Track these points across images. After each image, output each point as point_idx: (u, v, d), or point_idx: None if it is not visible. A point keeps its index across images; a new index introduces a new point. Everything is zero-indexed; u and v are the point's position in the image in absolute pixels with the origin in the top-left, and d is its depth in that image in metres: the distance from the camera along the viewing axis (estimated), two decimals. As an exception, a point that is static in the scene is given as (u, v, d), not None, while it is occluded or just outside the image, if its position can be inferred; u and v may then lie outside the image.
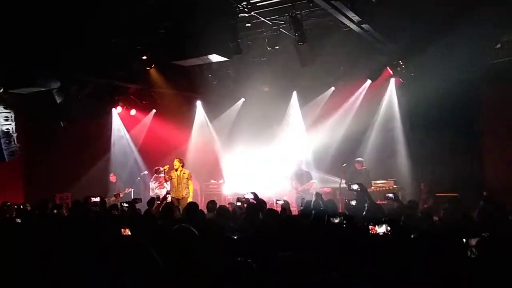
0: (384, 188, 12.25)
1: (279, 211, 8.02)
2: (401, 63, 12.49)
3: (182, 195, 12.20)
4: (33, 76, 10.59)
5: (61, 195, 14.43)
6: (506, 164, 12.13)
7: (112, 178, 14.62)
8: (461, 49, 10.86)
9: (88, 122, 14.89)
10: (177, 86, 14.30)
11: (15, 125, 11.85)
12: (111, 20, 9.53)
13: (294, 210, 11.42)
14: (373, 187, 12.36)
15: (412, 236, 4.84)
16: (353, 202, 8.51)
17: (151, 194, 13.36)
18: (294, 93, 15.27)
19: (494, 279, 3.60)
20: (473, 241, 4.20)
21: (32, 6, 8.52)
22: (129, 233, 5.75)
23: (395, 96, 13.93)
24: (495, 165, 12.47)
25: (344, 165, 12.88)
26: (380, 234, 4.91)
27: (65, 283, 4.09)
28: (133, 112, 15.49)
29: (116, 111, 15.53)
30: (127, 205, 9.37)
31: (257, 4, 9.62)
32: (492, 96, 12.54)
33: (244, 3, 9.43)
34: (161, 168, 13.38)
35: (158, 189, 13.57)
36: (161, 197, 10.81)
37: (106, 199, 11.58)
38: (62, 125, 13.83)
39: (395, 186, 12.48)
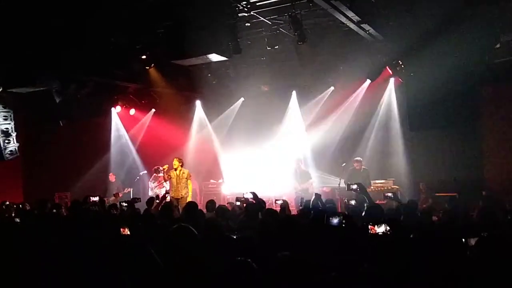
0: (383, 188, 12.25)
1: (278, 211, 8.02)
2: (401, 63, 12.50)
3: (181, 194, 12.19)
4: (32, 76, 10.59)
5: (60, 195, 14.41)
6: (506, 164, 12.14)
7: (112, 177, 14.62)
8: (461, 48, 10.86)
9: (87, 122, 14.90)
10: (177, 86, 14.30)
11: (15, 124, 11.86)
12: (110, 19, 9.53)
13: (293, 209, 11.42)
14: (372, 187, 12.35)
15: (411, 236, 4.83)
16: (353, 202, 8.50)
17: (150, 193, 13.36)
18: (294, 93, 15.26)
19: (493, 279, 3.60)
20: (473, 241, 4.20)
21: (32, 6, 8.51)
22: (129, 232, 5.75)
23: (394, 96, 13.94)
24: (495, 165, 12.48)
25: (344, 164, 12.90)
26: (380, 234, 4.90)
27: (65, 283, 4.09)
28: (132, 111, 15.50)
29: (116, 111, 15.54)
30: (126, 204, 9.37)
31: (257, 4, 9.61)
32: (492, 96, 12.55)
33: (244, 2, 9.42)
34: (161, 168, 13.37)
35: (157, 189, 13.58)
36: (160, 196, 10.81)
37: (105, 199, 11.57)
38: (62, 124, 13.84)
39: (394, 186, 12.48)
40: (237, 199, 9.34)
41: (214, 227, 5.61)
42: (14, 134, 11.68)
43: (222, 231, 5.60)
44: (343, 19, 9.58)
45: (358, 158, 12.74)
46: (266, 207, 8.40)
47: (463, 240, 4.40)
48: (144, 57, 11.63)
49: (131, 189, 14.45)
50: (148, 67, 12.08)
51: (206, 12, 9.01)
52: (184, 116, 16.04)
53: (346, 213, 7.95)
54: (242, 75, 14.31)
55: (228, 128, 16.03)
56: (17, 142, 11.80)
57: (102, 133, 15.76)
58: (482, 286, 3.63)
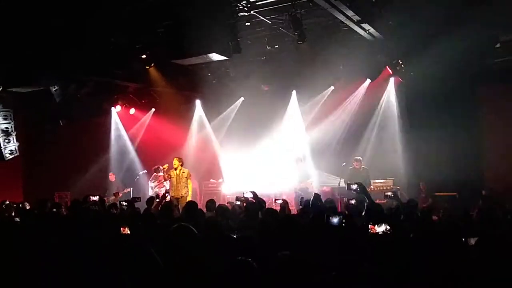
0: (383, 188, 12.25)
1: (278, 210, 8.02)
2: (401, 62, 12.50)
3: (181, 194, 12.19)
4: (32, 75, 10.58)
5: (60, 194, 14.42)
6: (506, 164, 12.13)
7: (111, 177, 14.62)
8: (461, 48, 10.86)
9: (87, 121, 14.90)
10: (177, 85, 14.30)
11: (14, 124, 11.85)
12: (110, 19, 9.53)
13: (293, 209, 11.42)
14: (372, 186, 12.37)
15: (411, 236, 4.84)
16: (353, 201, 8.50)
17: (150, 193, 13.36)
18: (294, 92, 15.25)
19: (493, 279, 3.60)
20: (473, 241, 4.20)
21: (32, 6, 8.51)
22: (129, 232, 5.75)
23: (394, 95, 13.93)
24: (495, 165, 12.48)
25: (343, 164, 12.92)
26: (380, 233, 4.91)
27: (65, 283, 4.09)
28: (132, 111, 15.50)
29: (115, 110, 15.53)
30: (126, 204, 9.37)
31: (257, 3, 9.61)
32: (492, 96, 12.55)
33: (244, 2, 9.42)
34: (161, 167, 13.37)
35: (157, 188, 13.57)
36: (160, 195, 10.81)
37: (105, 198, 11.57)
38: (61, 124, 13.85)
39: (394, 186, 12.48)
40: (237, 199, 9.34)
41: (214, 227, 5.61)
42: (14, 134, 11.67)
43: (222, 230, 5.60)
44: (343, 19, 9.59)
45: (358, 158, 12.76)
46: (266, 206, 8.41)
47: (463, 240, 4.41)
48: (144, 56, 11.63)
49: (131, 188, 14.44)
50: (148, 67, 12.08)
51: (206, 11, 9.01)
52: (184, 115, 16.03)
53: (346, 212, 7.96)
54: (242, 74, 14.30)
55: (228, 127, 16.02)
56: (17, 141, 11.79)
57: (102, 132, 15.76)
58: (482, 286, 3.64)
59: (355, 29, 10.17)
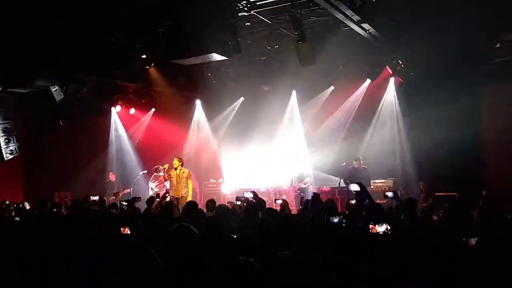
0: (383, 188, 12.26)
1: (278, 210, 8.03)
2: (401, 62, 12.50)
3: (182, 194, 12.20)
4: (32, 75, 10.58)
5: (60, 194, 14.43)
6: (506, 163, 12.13)
7: (112, 177, 14.62)
8: (461, 48, 10.86)
9: (87, 121, 14.90)
10: (177, 85, 14.29)
11: (14, 124, 11.85)
12: (110, 19, 9.52)
13: (293, 209, 11.43)
14: (372, 186, 12.38)
15: (411, 236, 4.84)
16: (353, 202, 8.51)
17: (150, 193, 13.37)
18: (294, 92, 15.25)
19: (493, 279, 3.60)
20: (473, 241, 4.20)
21: (32, 6, 8.50)
22: (129, 232, 5.75)
23: (394, 95, 13.94)
24: (495, 164, 12.47)
25: (344, 164, 12.93)
26: (380, 233, 4.91)
27: (65, 283, 4.09)
28: (132, 111, 15.49)
29: (115, 110, 15.53)
30: (126, 204, 9.38)
31: (257, 3, 9.60)
32: (492, 96, 12.54)
33: (244, 2, 9.41)
34: (161, 167, 13.38)
35: (158, 188, 13.58)
36: (160, 195, 10.82)
37: (105, 198, 11.58)
38: (61, 124, 13.84)
39: (394, 186, 12.49)
40: (237, 199, 9.36)
41: (215, 227, 5.61)
42: (14, 134, 11.66)
43: (223, 230, 5.61)
44: (343, 19, 9.57)
45: (358, 157, 12.79)
46: (266, 206, 8.41)
47: (464, 240, 4.40)
48: (144, 56, 11.62)
49: (131, 188, 14.45)
50: (148, 67, 12.07)
51: (206, 11, 8.99)
52: (184, 115, 16.03)
53: (346, 212, 7.97)
54: (242, 74, 14.31)
55: (228, 127, 16.03)
56: (17, 141, 11.78)
57: (102, 132, 15.76)
58: (482, 286, 3.64)
59: (355, 29, 10.15)
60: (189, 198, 11.99)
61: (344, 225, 5.72)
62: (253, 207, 7.78)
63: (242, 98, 15.79)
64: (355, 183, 8.88)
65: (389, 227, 4.89)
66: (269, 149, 14.92)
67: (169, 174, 12.49)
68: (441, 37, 10.62)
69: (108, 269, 3.83)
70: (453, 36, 10.45)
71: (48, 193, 12.97)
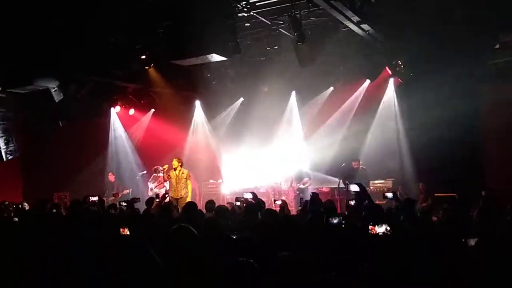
0: (383, 188, 12.26)
1: (278, 211, 8.03)
2: (400, 63, 12.50)
3: (181, 194, 12.19)
4: (31, 75, 10.57)
5: (59, 195, 14.41)
6: (506, 164, 12.13)
7: (111, 177, 14.61)
8: (461, 49, 10.87)
9: (86, 122, 14.90)
10: (176, 86, 14.28)
11: (14, 124, 11.85)
12: (110, 19, 9.52)
13: (292, 210, 11.43)
14: (371, 187, 12.39)
15: (411, 236, 4.84)
16: (352, 202, 8.51)
17: (150, 193, 13.36)
18: (293, 93, 15.26)
19: (493, 279, 3.60)
20: (473, 241, 4.20)
21: (32, 6, 8.50)
22: (128, 232, 5.75)
23: (394, 96, 13.94)
24: (495, 165, 12.47)
25: (343, 165, 12.93)
26: (380, 234, 4.91)
27: (65, 283, 4.08)
28: (131, 111, 15.48)
29: (115, 111, 15.53)
30: (125, 204, 9.37)
31: (257, 4, 9.61)
32: (492, 96, 12.54)
33: (244, 2, 9.42)
34: (160, 168, 13.38)
35: (157, 189, 13.57)
36: (160, 195, 10.82)
37: (104, 199, 11.57)
38: (61, 124, 13.85)
39: (393, 186, 12.48)
40: (237, 199, 9.36)
41: (214, 227, 5.61)
42: (13, 134, 11.67)
43: (222, 231, 5.60)
44: (343, 19, 9.57)
45: (357, 158, 12.80)
46: (266, 207, 8.41)
47: (463, 240, 4.40)
48: (143, 57, 11.62)
49: (130, 189, 14.44)
50: (147, 67, 12.06)
51: (206, 12, 8.99)
52: (183, 116, 16.02)
53: (346, 213, 7.97)
54: (242, 75, 14.30)
55: (228, 128, 16.03)
56: (16, 142, 11.78)
57: (102, 133, 15.76)
58: (482, 286, 3.63)
59: (354, 29, 10.16)
60: (189, 199, 11.98)
61: (343, 225, 5.72)
62: (253, 208, 7.78)
63: (241, 99, 15.79)
64: (354, 183, 8.89)
65: (388, 228, 4.89)
66: (268, 149, 14.91)
67: (169, 175, 12.49)
68: (441, 37, 10.62)
69: (108, 269, 3.83)
70: (452, 37, 10.45)
71: (47, 194, 12.96)
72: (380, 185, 12.80)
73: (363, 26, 9.97)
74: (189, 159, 14.49)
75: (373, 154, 13.56)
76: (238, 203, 9.11)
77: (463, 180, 11.68)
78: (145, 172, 15.16)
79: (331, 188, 13.47)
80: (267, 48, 11.60)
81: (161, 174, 13.36)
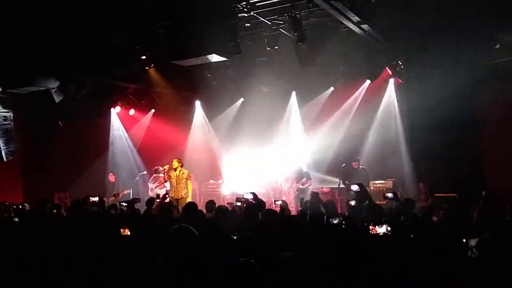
0: (383, 188, 12.26)
1: (278, 211, 8.02)
2: (400, 63, 12.50)
3: (181, 195, 12.19)
4: (32, 76, 10.57)
5: (59, 195, 14.40)
6: (506, 164, 12.12)
7: (111, 177, 14.60)
8: (461, 49, 10.86)
9: (86, 122, 14.89)
10: (176, 86, 14.29)
11: (14, 124, 11.84)
12: (110, 19, 9.52)
13: (293, 210, 11.43)
14: (372, 187, 12.38)
15: (411, 236, 4.84)
16: (353, 202, 8.51)
17: (150, 194, 13.35)
18: (293, 93, 15.26)
19: (494, 280, 3.60)
20: (473, 242, 4.20)
21: (32, 6, 8.50)
22: (129, 233, 5.74)
23: (394, 96, 13.93)
24: (495, 165, 12.47)
25: (343, 165, 12.94)
26: (380, 234, 4.91)
27: (64, 283, 4.08)
28: (131, 112, 15.48)
29: (115, 111, 15.52)
30: (126, 204, 9.37)
31: (257, 4, 9.62)
32: (492, 96, 12.53)
33: (244, 3, 9.42)
34: (161, 168, 13.38)
35: (158, 189, 13.56)
36: (161, 196, 10.82)
37: (105, 199, 11.56)
38: (61, 124, 13.85)
39: (394, 186, 12.48)
40: (237, 200, 9.36)
41: (214, 227, 5.61)
42: (14, 135, 11.66)
43: (222, 231, 5.60)
44: (343, 20, 9.57)
45: (357, 158, 12.82)
46: (266, 207, 8.41)
47: (464, 240, 4.40)
48: (143, 57, 11.62)
49: (131, 190, 14.43)
50: (147, 67, 12.07)
51: (206, 12, 9.00)
52: (183, 116, 16.02)
53: (346, 213, 7.97)
54: (242, 75, 14.30)
55: (228, 128, 16.03)
56: (16, 142, 11.78)
57: (102, 133, 15.75)
58: (483, 287, 3.63)
59: (354, 30, 10.16)
60: (189, 199, 11.99)
61: (343, 226, 5.72)
62: (253, 208, 7.78)
63: (242, 99, 15.78)
64: (355, 183, 8.89)
65: (389, 228, 4.88)
66: (268, 150, 14.91)
67: (169, 175, 12.49)
68: (441, 37, 10.61)
69: (108, 270, 3.83)
70: (452, 37, 10.45)
71: (47, 194, 12.93)
72: (380, 185, 12.80)
73: (363, 26, 9.97)
74: (189, 160, 14.48)
75: (373, 154, 13.56)
76: (239, 204, 9.11)
77: (463, 180, 11.67)
78: (145, 172, 15.16)
79: (331, 188, 13.46)
80: (267, 48, 11.58)
81: (161, 175, 13.36)
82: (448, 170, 12.33)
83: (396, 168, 13.39)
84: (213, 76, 14.23)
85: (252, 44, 11.94)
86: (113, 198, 12.61)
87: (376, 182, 12.93)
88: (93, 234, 5.83)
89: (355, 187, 8.69)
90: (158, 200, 9.85)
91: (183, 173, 12.40)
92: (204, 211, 8.40)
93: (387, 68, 12.82)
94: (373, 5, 9.74)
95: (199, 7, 8.92)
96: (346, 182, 11.69)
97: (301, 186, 13.36)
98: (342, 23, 9.98)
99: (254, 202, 8.39)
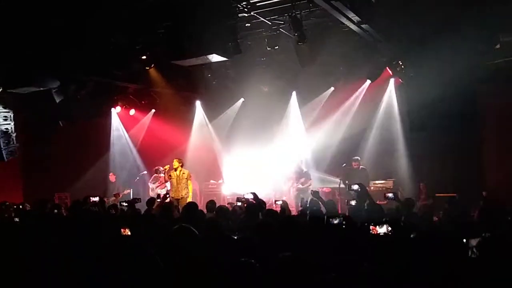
0: (383, 188, 12.26)
1: (278, 211, 8.02)
2: (401, 63, 12.48)
3: (182, 195, 12.20)
4: (32, 76, 10.57)
5: (60, 195, 14.41)
6: (506, 164, 12.12)
7: (112, 177, 14.61)
8: (461, 49, 10.84)
9: (87, 122, 14.88)
10: (177, 86, 14.29)
11: (14, 124, 11.84)
12: (110, 19, 9.52)
13: (293, 210, 11.43)
14: (372, 187, 12.38)
15: (412, 236, 4.83)
16: (353, 202, 8.51)
17: (151, 194, 13.36)
18: (294, 93, 15.27)
19: (494, 280, 3.60)
20: (474, 242, 4.20)
21: (32, 6, 8.50)
22: (129, 233, 5.74)
23: (394, 96, 13.93)
24: (495, 165, 12.47)
25: (344, 165, 12.94)
26: (381, 234, 4.90)
27: (65, 283, 4.08)
28: (132, 112, 15.49)
29: (115, 111, 15.53)
30: (126, 204, 9.37)
31: (257, 4, 9.61)
32: (492, 96, 12.54)
33: (244, 3, 9.41)
34: (161, 168, 13.39)
35: (159, 189, 13.56)
36: (161, 196, 10.82)
37: (105, 199, 11.57)
38: (61, 124, 13.83)
39: (394, 186, 12.48)
40: (238, 200, 9.36)
41: (215, 227, 5.62)
42: (14, 135, 11.66)
43: (223, 231, 5.61)
44: (343, 20, 9.56)
45: (356, 157, 12.84)
46: (266, 207, 8.41)
47: (464, 240, 4.40)
48: (144, 57, 11.62)
49: (131, 189, 14.44)
50: (148, 68, 12.07)
51: (206, 12, 8.99)
52: (184, 116, 16.03)
53: (347, 213, 7.96)
54: (242, 75, 14.29)
55: (228, 128, 16.04)
56: (17, 142, 11.78)
57: (102, 133, 15.76)
58: (483, 287, 3.63)
59: (355, 30, 10.15)
60: (189, 199, 12.00)
61: (344, 226, 5.71)
62: (254, 208, 7.78)
63: (242, 99, 15.78)
64: (355, 183, 8.89)
65: (390, 228, 4.88)
66: (269, 150, 14.91)
67: (170, 175, 12.50)
68: (441, 37, 10.60)
69: (108, 270, 3.83)
70: (452, 37, 10.44)
71: (48, 194, 12.94)
72: (380, 185, 12.81)
73: (363, 26, 9.96)
74: (190, 160, 14.48)
75: (373, 154, 13.57)
76: (239, 204, 9.11)
77: (463, 180, 11.67)
78: (145, 172, 15.17)
79: (331, 188, 13.46)
80: (268, 48, 11.58)
81: (162, 175, 13.36)
82: (448, 170, 12.33)
83: (396, 168, 13.41)
84: (213, 76, 14.22)
85: (252, 44, 11.94)
86: (114, 198, 12.62)
87: (376, 182, 12.94)
88: (93, 234, 5.84)
89: (355, 187, 8.68)
90: (158, 200, 9.85)
91: (183, 173, 12.41)
92: (205, 211, 8.40)
93: (387, 68, 12.81)
94: (373, 5, 9.73)
95: (199, 7, 8.92)
96: (346, 182, 11.69)
97: (301, 186, 13.35)
98: (342, 23, 9.97)
99: (254, 202, 8.39)
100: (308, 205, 8.63)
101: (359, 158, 12.89)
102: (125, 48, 11.22)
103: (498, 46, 11.19)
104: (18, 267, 4.34)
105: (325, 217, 6.07)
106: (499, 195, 9.90)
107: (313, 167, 14.27)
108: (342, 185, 12.38)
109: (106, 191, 14.03)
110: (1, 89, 10.88)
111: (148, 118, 16.11)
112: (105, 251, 4.39)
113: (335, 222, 5.69)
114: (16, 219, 8.53)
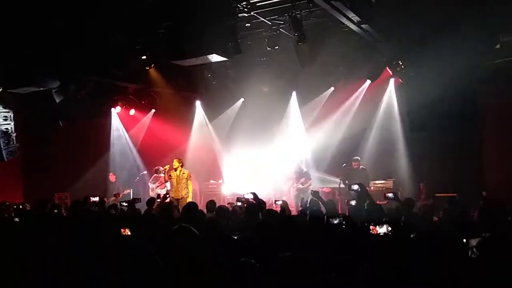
0: (383, 188, 12.26)
1: (278, 211, 8.02)
2: (401, 63, 12.48)
3: (182, 195, 12.20)
4: (32, 76, 10.57)
5: (60, 195, 14.41)
6: (506, 164, 12.12)
7: (112, 177, 14.61)
8: (461, 49, 10.84)
9: (87, 122, 14.88)
10: (177, 86, 14.29)
11: (14, 124, 11.84)
12: (110, 19, 9.51)
13: (293, 210, 11.43)
14: (372, 187, 12.38)
15: (412, 236, 4.83)
16: (353, 202, 8.51)
17: (151, 194, 13.36)
18: (294, 93, 15.26)
19: (494, 280, 3.60)
20: (474, 242, 4.20)
21: (32, 6, 8.50)
22: (129, 233, 5.74)
23: (394, 96, 13.93)
24: (495, 165, 12.47)
25: (344, 165, 12.94)
26: (381, 234, 4.90)
27: (65, 283, 4.08)
28: (132, 112, 15.49)
29: (115, 111, 15.53)
30: (126, 204, 9.37)
31: (257, 4, 9.61)
32: (492, 96, 12.54)
33: (244, 3, 9.41)
34: (161, 168, 13.39)
35: (159, 189, 13.56)
36: (161, 196, 10.82)
37: (105, 199, 11.57)
38: (61, 124, 13.83)
39: (394, 186, 12.48)
40: (238, 200, 9.35)
41: (215, 227, 5.62)
42: (14, 135, 11.66)
43: (223, 231, 5.61)
44: (343, 20, 9.56)
45: (356, 157, 12.84)
46: (266, 207, 8.41)
47: (464, 240, 4.40)
48: (144, 57, 11.62)
49: (131, 189, 14.44)
50: (148, 68, 12.07)
51: (206, 12, 8.99)
52: (184, 116, 16.03)
53: (347, 213, 7.96)
54: (242, 75, 14.28)
55: (228, 128, 16.04)
56: (17, 142, 11.78)
57: (102, 133, 15.76)
58: (483, 287, 3.63)
59: (355, 30, 10.15)
60: (189, 199, 12.00)
61: (344, 226, 5.71)
62: (254, 208, 7.78)
63: (242, 99, 15.78)
64: (355, 183, 8.89)
65: (390, 228, 4.88)
66: (269, 150, 14.91)
67: (170, 175, 12.50)
68: (441, 37, 10.60)
69: (108, 270, 3.83)
70: (452, 37, 10.44)
71: (48, 194, 12.94)
72: (380, 185, 12.81)
73: (363, 26, 9.96)
74: (190, 159, 14.49)
75: (373, 154, 13.56)
76: (239, 204, 9.11)
77: (463, 180, 11.67)
78: (145, 172, 15.17)
79: (331, 188, 13.46)
80: (268, 48, 11.58)
81: (162, 175, 13.36)
82: (448, 170, 12.33)
83: (396, 168, 13.40)
84: (213, 76, 14.22)
85: (252, 44, 11.94)
86: (114, 198, 12.62)
87: (376, 182, 12.94)
88: (93, 234, 5.84)
89: (355, 187, 8.67)
90: (158, 200, 9.85)
91: (183, 173, 12.41)
92: (205, 211, 8.40)
93: (387, 68, 12.81)
94: (373, 5, 9.73)
95: (199, 7, 8.92)
96: (346, 182, 11.69)
97: (301, 186, 13.35)
98: (342, 23, 9.97)
99: (254, 202, 8.39)
100: (308, 205, 8.63)
101: (359, 158, 12.89)
102: (125, 48, 11.23)
103: (498, 46, 11.19)
104: (18, 267, 4.34)
105: (325, 217, 6.07)
106: (499, 195, 9.90)
107: (313, 167, 14.27)
108: (342, 185, 12.38)
109: (106, 191, 14.03)
110: (1, 89, 10.88)
111: (148, 118, 16.11)
112: (105, 251, 4.39)
113: (335, 222, 5.69)
114: (16, 219, 8.52)
